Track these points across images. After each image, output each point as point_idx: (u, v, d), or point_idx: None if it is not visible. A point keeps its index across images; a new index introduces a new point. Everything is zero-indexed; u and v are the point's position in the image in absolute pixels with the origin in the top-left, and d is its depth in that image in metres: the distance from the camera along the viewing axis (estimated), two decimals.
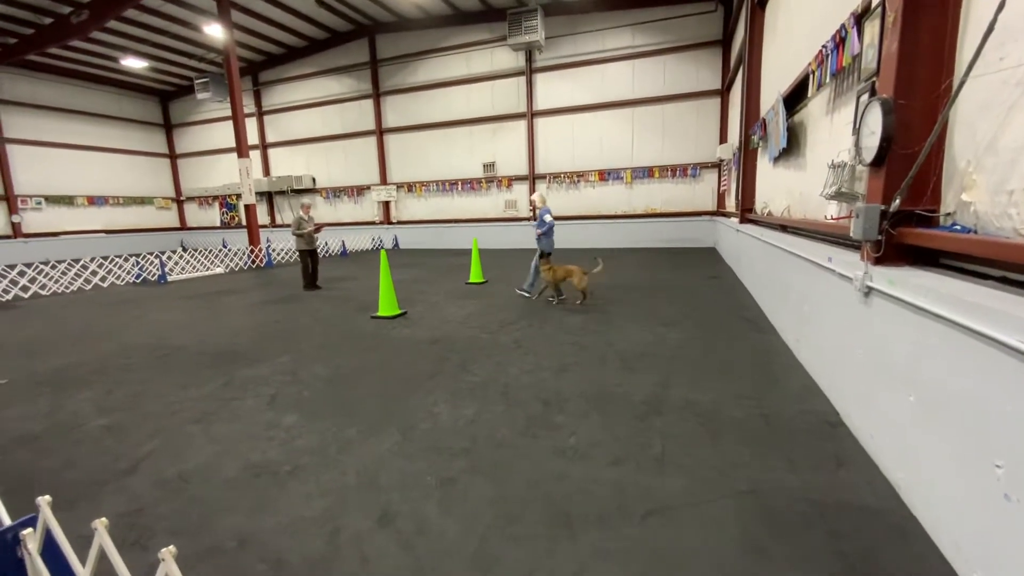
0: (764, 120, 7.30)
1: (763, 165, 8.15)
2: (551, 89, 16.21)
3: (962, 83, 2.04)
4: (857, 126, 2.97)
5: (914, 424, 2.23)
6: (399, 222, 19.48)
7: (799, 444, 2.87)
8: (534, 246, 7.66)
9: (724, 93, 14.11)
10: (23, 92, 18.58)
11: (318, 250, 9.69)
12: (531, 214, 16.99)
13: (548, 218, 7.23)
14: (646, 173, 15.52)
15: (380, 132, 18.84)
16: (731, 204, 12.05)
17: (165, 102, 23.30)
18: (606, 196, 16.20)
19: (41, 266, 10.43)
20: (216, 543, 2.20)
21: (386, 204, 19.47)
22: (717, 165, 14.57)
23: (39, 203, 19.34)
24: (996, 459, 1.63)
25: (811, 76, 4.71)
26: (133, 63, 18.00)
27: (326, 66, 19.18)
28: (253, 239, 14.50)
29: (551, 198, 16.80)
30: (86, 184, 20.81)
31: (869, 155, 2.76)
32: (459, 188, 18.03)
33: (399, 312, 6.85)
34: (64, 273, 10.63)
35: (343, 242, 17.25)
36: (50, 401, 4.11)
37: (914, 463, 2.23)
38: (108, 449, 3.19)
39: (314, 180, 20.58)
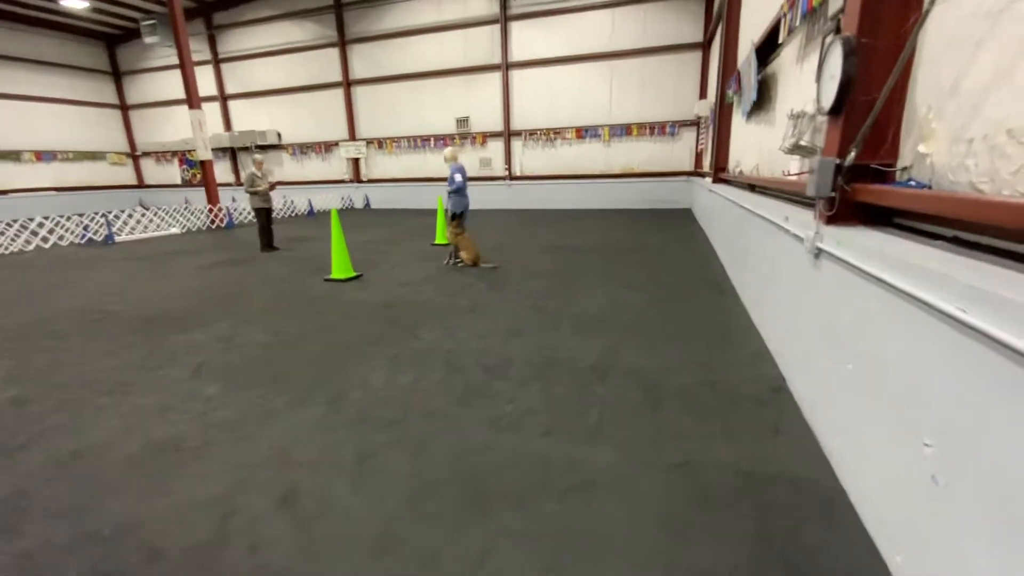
0: (739, 73, 6.95)
1: (737, 122, 7.85)
2: (527, 39, 15.34)
3: (927, 11, 1.78)
4: (819, 71, 2.70)
5: (849, 394, 2.10)
6: (370, 180, 18.74)
7: (740, 412, 2.76)
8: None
9: (706, 47, 13.53)
10: None
11: (272, 210, 9.17)
12: (506, 172, 16.49)
13: (458, 177, 6.84)
14: (624, 131, 15.02)
15: (347, 84, 17.76)
16: (708, 164, 11.78)
17: (112, 47, 21.48)
18: (583, 155, 15.71)
19: None
20: (93, 529, 2.00)
21: (355, 161, 18.63)
22: (696, 123, 14.16)
23: None
24: (926, 437, 1.49)
25: (782, 20, 4.37)
26: (71, 2, 16.38)
27: (287, 9, 17.77)
28: (211, 198, 13.74)
29: (527, 156, 16.29)
30: (33, 138, 19.33)
31: (827, 102, 2.51)
32: (431, 144, 17.28)
33: (354, 275, 6.54)
34: (2, 233, 9.92)
35: (310, 201, 16.55)
36: None
37: (847, 434, 2.12)
38: (6, 423, 2.93)
39: (279, 135, 19.51)
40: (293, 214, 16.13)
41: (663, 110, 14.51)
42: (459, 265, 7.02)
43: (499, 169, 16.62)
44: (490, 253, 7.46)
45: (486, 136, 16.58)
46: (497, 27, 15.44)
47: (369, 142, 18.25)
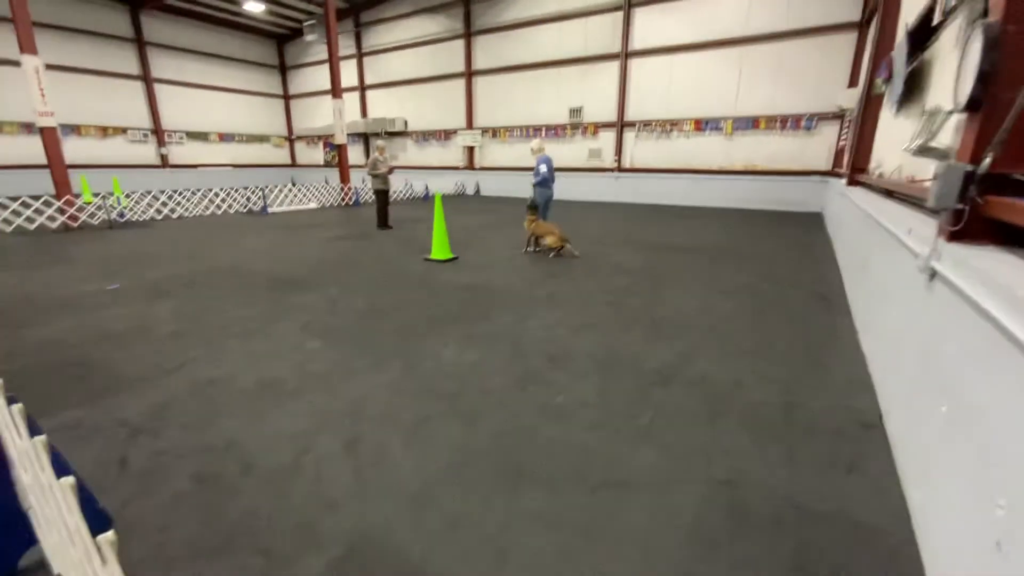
0: (891, 59, 5.98)
1: (885, 116, 6.78)
2: (651, 26, 14.69)
3: None
4: (960, 60, 2.29)
5: (940, 439, 1.81)
6: (481, 168, 19.54)
7: (813, 442, 2.51)
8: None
9: (863, 27, 11.75)
10: (166, 35, 20.93)
11: (390, 192, 10.07)
12: (615, 164, 16.09)
13: (543, 168, 6.82)
14: (750, 123, 13.74)
15: (469, 74, 18.63)
16: (847, 163, 10.33)
17: (281, 45, 24.98)
18: (701, 148, 14.72)
19: (172, 192, 12.12)
20: (211, 442, 2.50)
21: (470, 149, 19.54)
22: (840, 116, 12.44)
23: (181, 138, 22.21)
24: (1000, 498, 1.27)
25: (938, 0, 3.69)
26: (253, 7, 19.34)
27: (422, 4, 19.10)
28: (344, 178, 15.47)
29: (639, 147, 15.71)
30: (217, 122, 23.38)
31: (964, 97, 2.13)
32: (543, 134, 17.45)
33: (451, 256, 6.98)
34: (188, 199, 12.27)
35: (426, 185, 17.77)
36: (142, 306, 4.86)
37: (930, 484, 1.84)
38: (165, 351, 3.72)
39: (406, 123, 21.16)
40: (411, 197, 17.48)
41: (800, 101, 12.97)
42: (539, 252, 7.23)
43: (608, 160, 16.28)
44: (582, 246, 7.43)
45: (598, 127, 16.31)
46: (620, 14, 15.00)
47: (485, 131, 19.00)
